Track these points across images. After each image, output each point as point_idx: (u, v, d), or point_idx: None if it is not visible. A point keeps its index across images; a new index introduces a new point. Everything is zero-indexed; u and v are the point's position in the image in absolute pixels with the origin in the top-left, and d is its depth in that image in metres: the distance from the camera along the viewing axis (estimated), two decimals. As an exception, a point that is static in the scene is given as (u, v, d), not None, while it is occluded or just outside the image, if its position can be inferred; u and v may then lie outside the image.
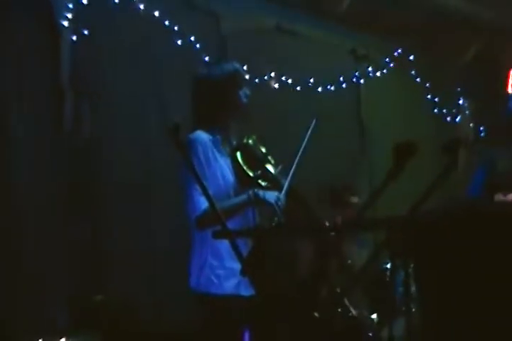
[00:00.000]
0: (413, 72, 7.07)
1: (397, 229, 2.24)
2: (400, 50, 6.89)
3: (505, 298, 2.25)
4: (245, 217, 3.30)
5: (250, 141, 3.42)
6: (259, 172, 3.35)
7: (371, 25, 6.60)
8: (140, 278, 4.78)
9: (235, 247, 2.49)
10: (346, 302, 4.38)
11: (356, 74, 6.60)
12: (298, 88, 5.99)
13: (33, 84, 4.49)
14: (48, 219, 4.45)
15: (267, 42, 5.82)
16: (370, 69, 6.69)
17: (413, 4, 6.82)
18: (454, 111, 7.57)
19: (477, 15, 7.37)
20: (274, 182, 3.36)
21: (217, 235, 2.63)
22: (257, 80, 5.55)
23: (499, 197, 3.72)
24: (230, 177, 3.32)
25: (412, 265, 2.35)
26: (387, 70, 6.80)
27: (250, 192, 3.24)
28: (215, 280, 3.24)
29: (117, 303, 4.46)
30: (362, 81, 6.65)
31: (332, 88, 6.29)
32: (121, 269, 4.71)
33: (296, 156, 3.43)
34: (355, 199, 5.24)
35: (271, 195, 3.25)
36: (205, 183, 2.59)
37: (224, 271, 3.24)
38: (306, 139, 3.48)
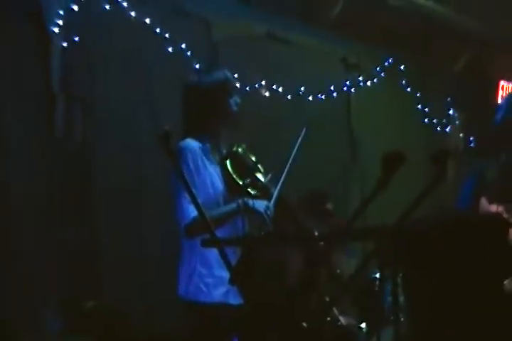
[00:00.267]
0: (404, 82, 7.09)
1: (386, 239, 2.24)
2: (390, 60, 6.92)
3: (493, 308, 2.25)
4: (234, 225, 3.29)
5: (240, 149, 3.42)
6: (248, 180, 3.34)
7: (362, 34, 6.63)
8: (132, 284, 4.77)
9: (223, 256, 2.49)
10: (335, 311, 4.37)
11: (347, 83, 6.61)
12: (289, 96, 6.00)
13: (24, 89, 4.47)
14: (39, 225, 4.42)
15: (258, 49, 5.82)
16: (360, 78, 6.71)
17: (404, 14, 6.86)
18: (444, 121, 7.61)
19: (467, 27, 7.43)
20: (264, 191, 3.36)
21: (205, 243, 2.63)
22: (247, 88, 5.55)
23: (485, 206, 3.72)
24: (220, 185, 3.31)
25: (400, 274, 2.35)
26: (377, 80, 6.82)
27: (240, 200, 3.23)
28: (204, 289, 3.23)
29: (109, 309, 4.44)
30: (352, 90, 6.67)
31: (323, 96, 6.30)
32: (113, 275, 4.69)
33: (286, 165, 3.43)
34: (329, 206, 5.25)
35: (260, 204, 3.25)
36: (194, 191, 2.58)
37: (213, 279, 3.24)
38: (296, 147, 3.48)
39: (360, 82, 6.72)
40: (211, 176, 3.29)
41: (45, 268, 4.39)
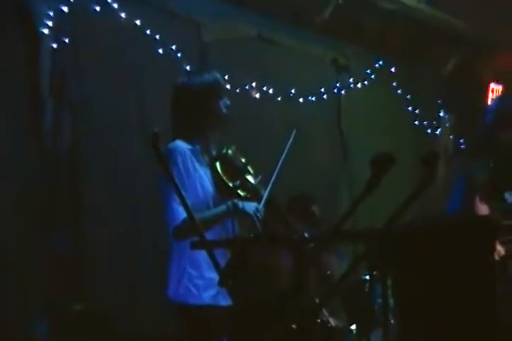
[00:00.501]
0: (394, 84, 7.11)
1: (376, 241, 2.24)
2: (381, 62, 6.93)
3: (484, 311, 2.25)
4: (224, 227, 3.29)
5: (230, 151, 3.41)
6: (238, 182, 3.34)
7: (352, 36, 6.65)
8: (120, 286, 4.76)
9: (212, 258, 2.49)
10: (325, 313, 4.37)
11: (337, 85, 6.62)
12: (279, 98, 6.00)
13: (12, 92, 4.44)
14: (27, 229, 4.40)
15: (248, 51, 5.82)
16: (351, 80, 6.72)
17: (394, 17, 6.88)
18: (434, 123, 7.63)
19: (457, 29, 7.46)
20: (254, 193, 3.35)
21: (195, 246, 2.62)
22: (238, 90, 5.54)
23: (479, 209, 3.73)
24: (210, 187, 3.30)
25: (390, 276, 2.35)
26: (368, 82, 6.83)
27: (229, 202, 3.23)
28: (194, 290, 3.22)
29: (97, 312, 4.43)
30: (343, 92, 6.67)
31: (313, 98, 6.30)
32: (101, 278, 4.68)
33: (276, 166, 3.43)
34: (314, 209, 5.25)
35: (250, 206, 3.24)
36: (184, 193, 2.58)
37: (203, 281, 3.23)
38: (286, 149, 3.48)
39: (350, 84, 6.73)
40: (201, 178, 3.28)
41: (33, 271, 4.37)
